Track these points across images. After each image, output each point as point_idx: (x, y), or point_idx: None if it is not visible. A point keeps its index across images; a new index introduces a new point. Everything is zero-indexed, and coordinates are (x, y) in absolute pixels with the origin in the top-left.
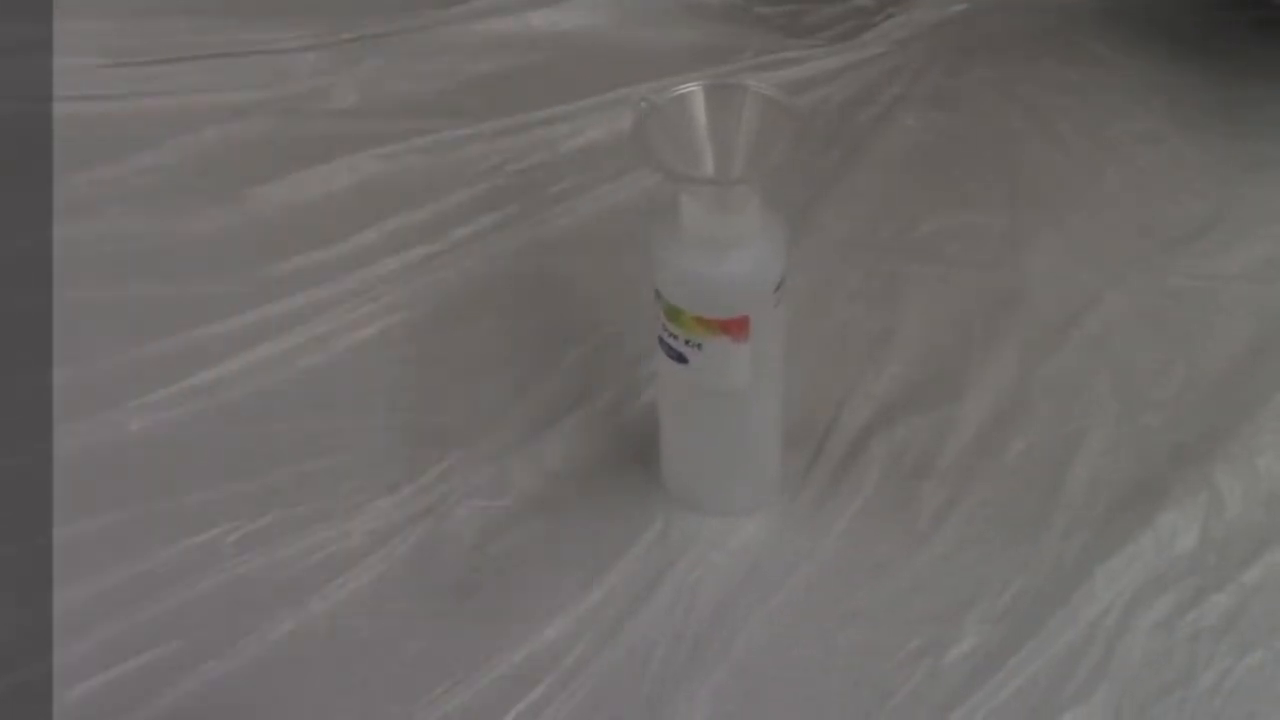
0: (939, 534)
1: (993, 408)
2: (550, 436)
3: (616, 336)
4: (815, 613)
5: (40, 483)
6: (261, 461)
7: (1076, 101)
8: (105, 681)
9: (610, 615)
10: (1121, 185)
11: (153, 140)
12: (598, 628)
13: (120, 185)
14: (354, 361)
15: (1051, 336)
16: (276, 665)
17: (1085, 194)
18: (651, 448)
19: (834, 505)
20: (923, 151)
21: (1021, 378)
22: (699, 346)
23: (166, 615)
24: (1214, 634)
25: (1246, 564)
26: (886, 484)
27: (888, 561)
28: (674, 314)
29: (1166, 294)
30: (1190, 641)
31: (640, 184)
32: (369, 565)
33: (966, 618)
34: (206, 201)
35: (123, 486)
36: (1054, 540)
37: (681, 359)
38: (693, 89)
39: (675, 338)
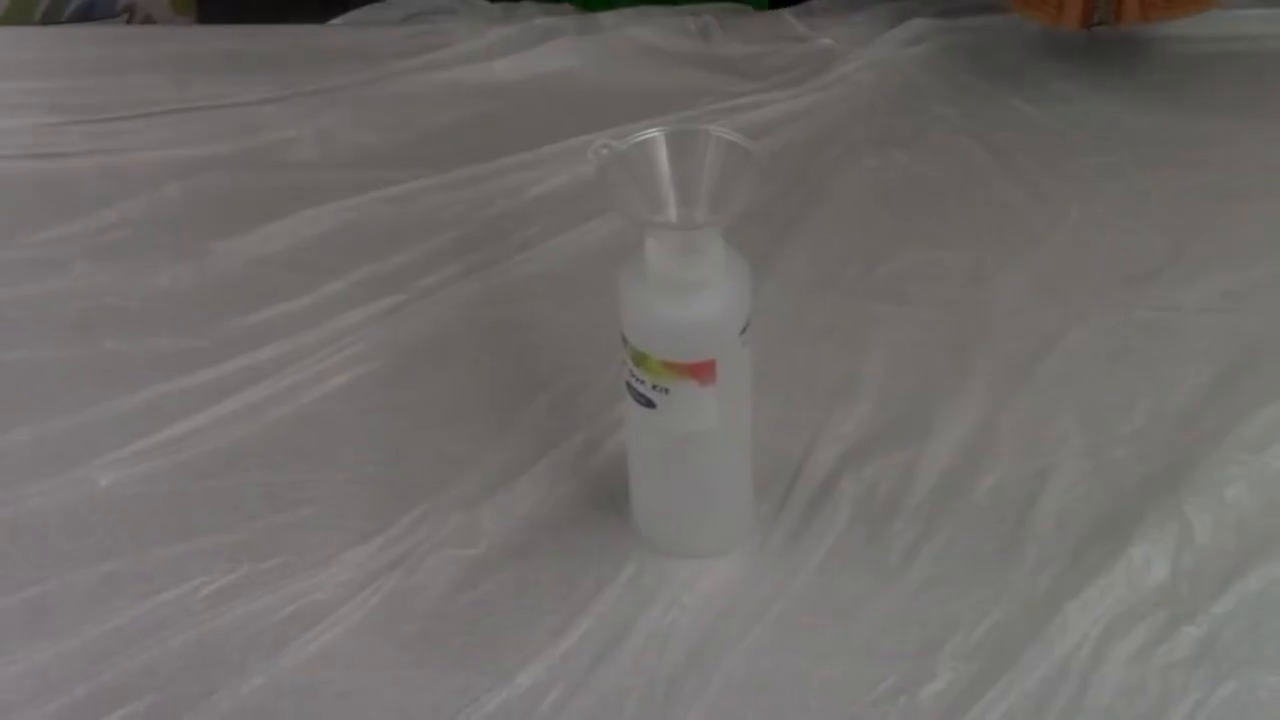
0: (910, 572)
1: (961, 445)
2: (520, 484)
3: (584, 382)
4: (789, 653)
5: (10, 540)
6: (231, 515)
7: (1037, 138)
8: None
9: (584, 661)
10: (1083, 221)
11: (114, 196)
12: (571, 674)
13: (83, 241)
14: (322, 413)
15: (1017, 372)
16: (250, 719)
17: (1048, 230)
18: (622, 492)
19: (805, 545)
20: (885, 191)
21: (989, 414)
22: (666, 391)
23: (138, 671)
24: (1187, 665)
25: (1218, 594)
26: (857, 523)
27: (860, 600)
28: (640, 358)
29: (1131, 327)
30: (1164, 673)
31: (606, 229)
32: (341, 617)
33: (940, 655)
34: (170, 256)
35: (92, 543)
36: (1025, 575)
37: (649, 404)
38: (654, 134)
39: (642, 382)
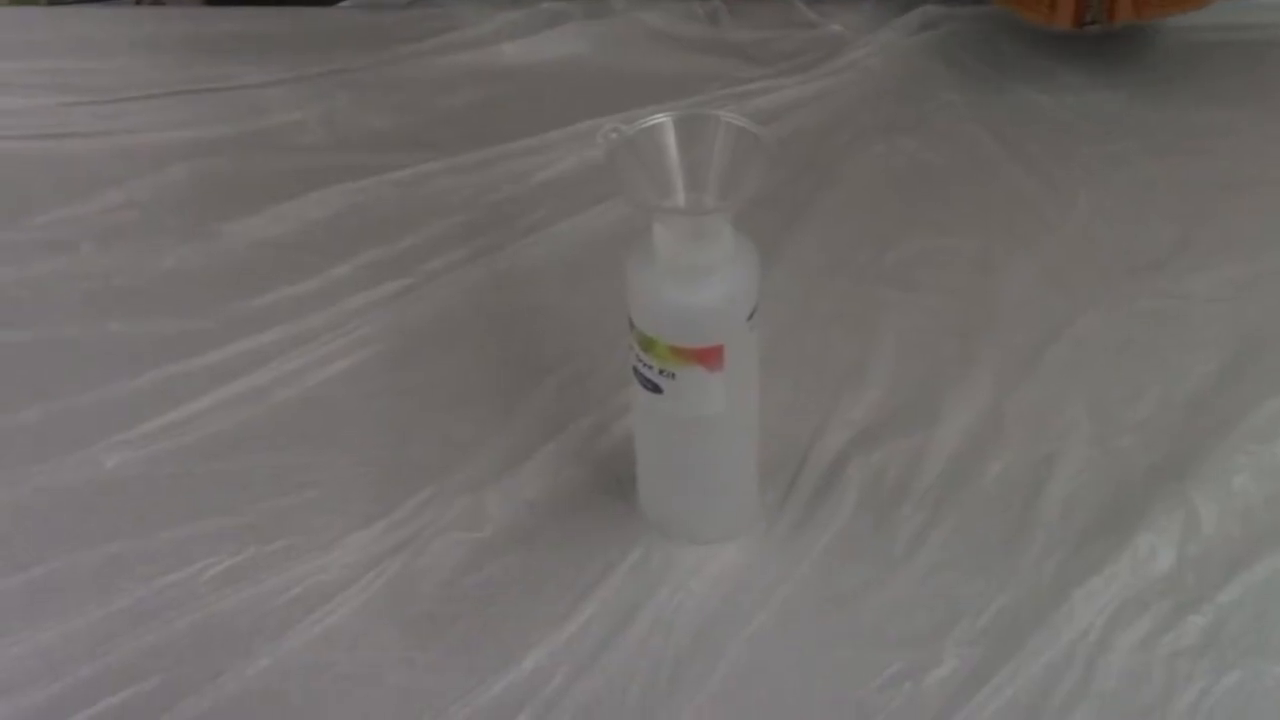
0: (917, 558)
1: (968, 432)
2: (526, 467)
3: (591, 366)
4: (794, 638)
5: (15, 521)
6: (237, 497)
7: (1045, 127)
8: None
9: (589, 644)
10: (1092, 209)
11: (121, 178)
12: (577, 657)
13: (90, 223)
14: (328, 396)
15: (1024, 360)
16: (255, 701)
17: (1056, 219)
18: (629, 477)
19: (811, 531)
20: (893, 178)
21: (996, 401)
22: (673, 376)
23: (144, 653)
24: (1192, 654)
25: (1223, 583)
26: (863, 509)
27: (866, 586)
28: (648, 343)
29: (1138, 316)
30: (1169, 661)
31: (613, 214)
32: (346, 599)
33: (946, 640)
34: (177, 238)
35: (98, 524)
36: (1031, 562)
37: (656, 388)
38: (663, 119)
39: (650, 367)
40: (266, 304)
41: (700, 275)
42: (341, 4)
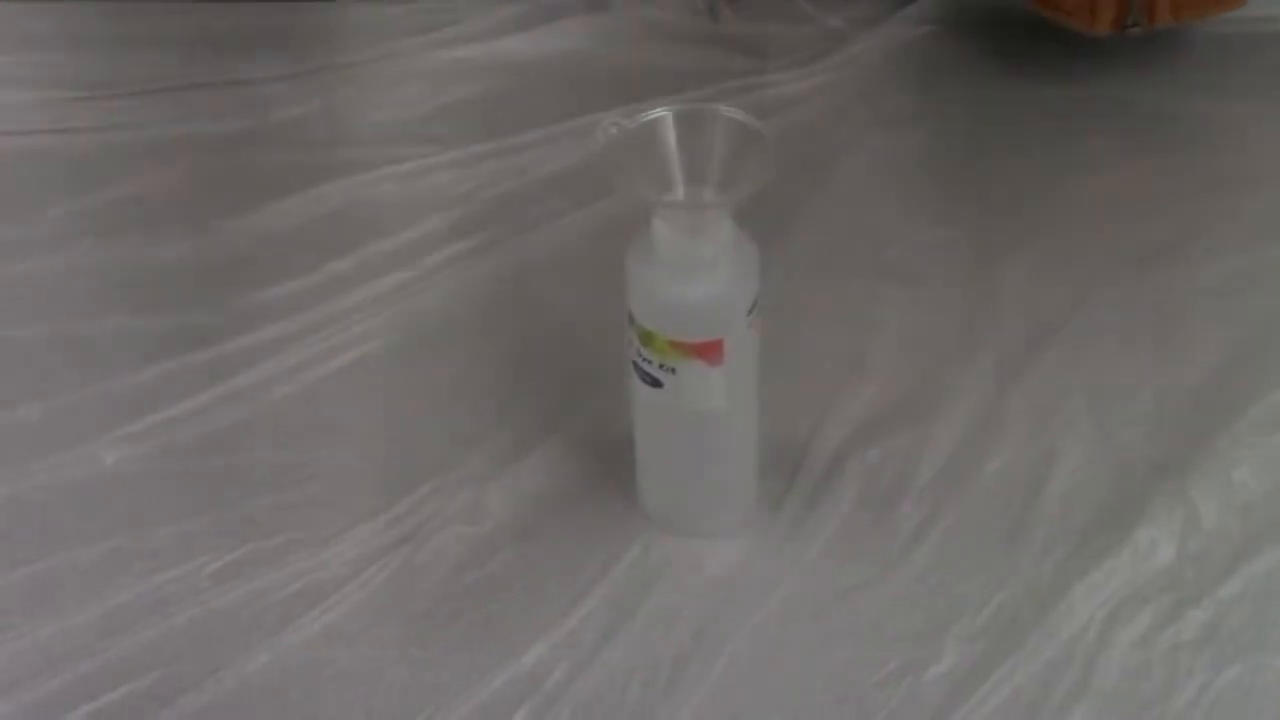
0: (916, 553)
1: (968, 426)
2: (526, 462)
3: (592, 361)
4: (794, 634)
5: (16, 517)
6: (238, 492)
7: (1048, 119)
8: (82, 715)
9: (589, 639)
10: (1092, 202)
11: (124, 173)
12: (577, 652)
13: (93, 218)
14: (329, 391)
15: (1025, 354)
16: (255, 696)
17: (1056, 211)
18: (628, 472)
19: (811, 526)
20: (894, 171)
21: (996, 396)
22: (673, 370)
23: (143, 648)
24: (1192, 648)
25: (1223, 578)
26: (863, 504)
27: (866, 582)
28: (648, 338)
29: (1139, 309)
30: (1169, 656)
31: (613, 209)
32: (347, 594)
33: (946, 636)
34: (179, 233)
35: (98, 520)
36: (1031, 557)
37: (656, 383)
38: (662, 113)
39: (650, 362)
40: (268, 299)
41: (700, 270)
42: None
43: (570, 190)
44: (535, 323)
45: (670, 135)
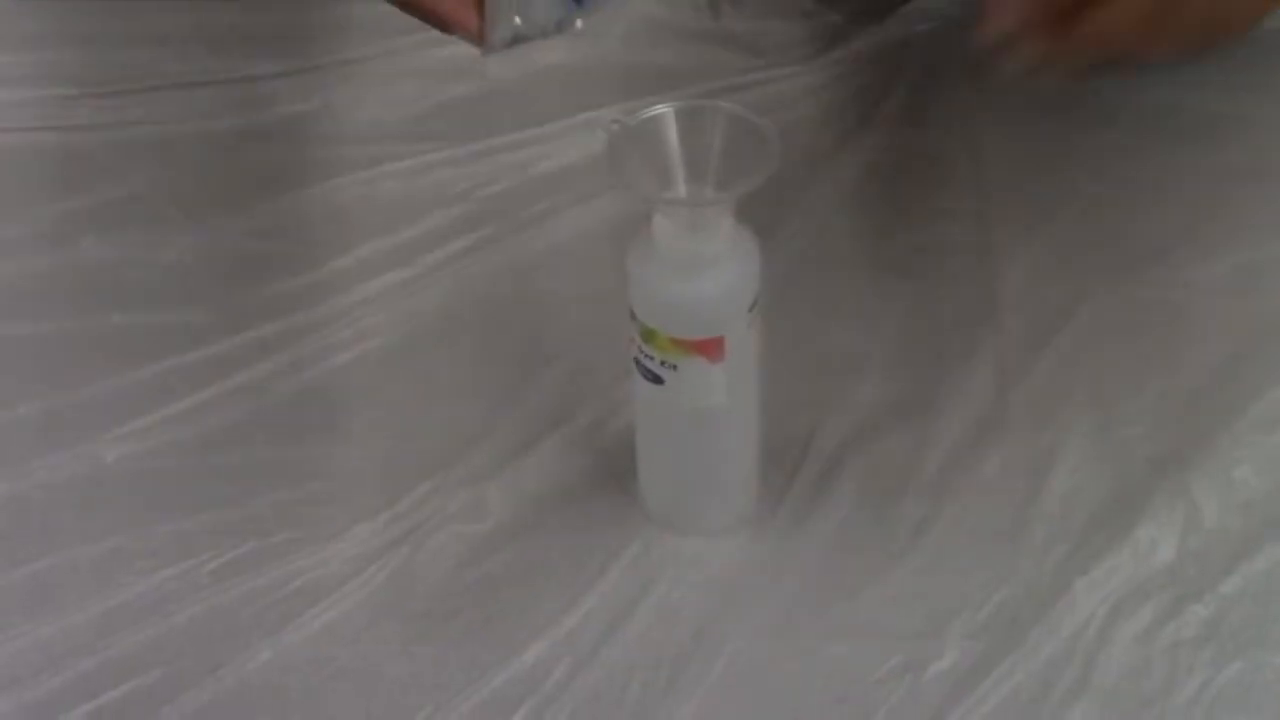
0: (917, 550)
1: (968, 423)
2: (527, 460)
3: (593, 358)
4: (795, 631)
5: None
6: (238, 490)
7: (1048, 115)
8: (83, 714)
9: (590, 637)
10: (1095, 198)
11: (123, 170)
12: (578, 650)
13: (91, 215)
14: (329, 388)
15: (1026, 351)
16: (256, 694)
17: (1058, 207)
18: (629, 469)
19: (812, 523)
20: (895, 167)
21: (997, 392)
22: (674, 367)
23: (144, 646)
24: (1193, 645)
25: (1224, 575)
26: (864, 501)
27: (867, 578)
28: (649, 335)
29: (1141, 306)
30: (1170, 653)
31: (614, 205)
32: (347, 592)
33: (947, 633)
34: (179, 230)
35: (98, 518)
36: (1032, 554)
37: (657, 380)
38: (663, 110)
39: (651, 359)
40: (267, 296)
41: (701, 266)
42: None
43: (571, 187)
44: (536, 320)
45: (672, 131)
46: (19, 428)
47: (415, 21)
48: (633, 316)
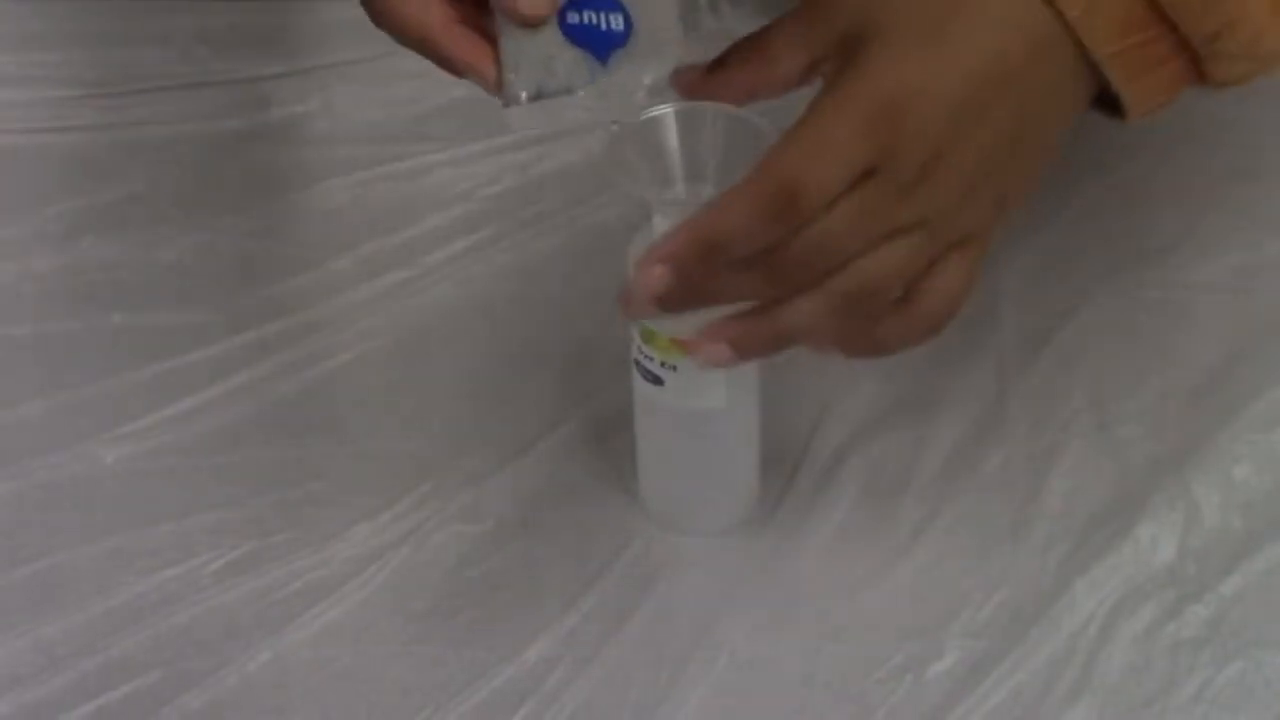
0: (918, 549)
1: (969, 423)
2: (527, 460)
3: (593, 359)
4: (796, 630)
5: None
6: (238, 491)
7: None
8: (84, 714)
9: (591, 637)
10: (1095, 198)
11: (124, 170)
12: (579, 650)
13: (92, 216)
14: (329, 389)
15: (1026, 350)
16: (257, 694)
17: (1058, 205)
18: (630, 470)
19: (812, 523)
20: None
21: (997, 392)
22: (674, 368)
23: (145, 646)
24: (1194, 645)
25: (1225, 574)
26: (864, 501)
27: (867, 578)
28: (649, 335)
29: (1141, 306)
30: (1170, 652)
31: (613, 206)
32: (348, 593)
33: (947, 632)
34: (179, 231)
35: (98, 518)
36: (1033, 553)
37: (657, 380)
38: (663, 110)
39: (650, 360)
40: (267, 297)
41: None
42: None
43: (571, 187)
44: (535, 321)
45: (671, 132)
46: (19, 428)
47: None
48: None
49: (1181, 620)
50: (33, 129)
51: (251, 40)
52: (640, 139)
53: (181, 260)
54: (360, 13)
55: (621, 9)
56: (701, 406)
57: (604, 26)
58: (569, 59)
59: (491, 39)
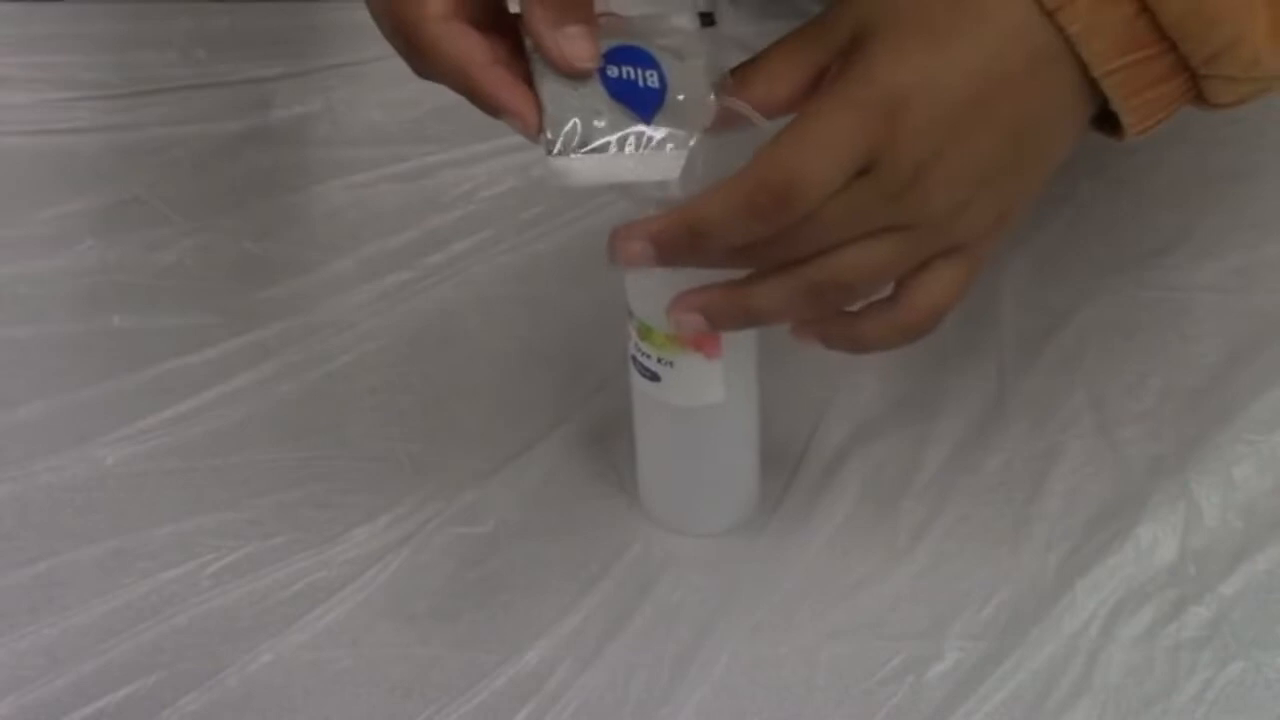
0: (918, 550)
1: (969, 424)
2: (527, 461)
3: (592, 360)
4: (796, 631)
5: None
6: (238, 492)
7: None
8: (85, 716)
9: (591, 638)
10: (1093, 197)
11: (124, 172)
12: (579, 651)
13: (92, 218)
14: (330, 390)
15: (1026, 350)
16: (257, 696)
17: (1057, 206)
18: (629, 470)
19: (812, 523)
20: None
21: (997, 394)
22: (671, 364)
23: (146, 648)
24: (1194, 645)
25: (1225, 575)
26: (865, 501)
27: (867, 579)
28: (646, 331)
29: (1140, 306)
30: (1171, 653)
31: (614, 206)
32: (348, 595)
33: (948, 633)
34: (179, 233)
35: (99, 520)
36: (1034, 554)
37: (654, 377)
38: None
39: (647, 356)
40: (268, 298)
41: None
42: None
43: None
44: (536, 321)
45: None
46: (20, 429)
47: None
48: (630, 313)
49: (1182, 621)
50: (33, 130)
51: (252, 42)
52: None
53: (182, 262)
54: (360, 14)
55: (656, 66)
56: (699, 403)
57: (642, 84)
58: (614, 114)
59: (528, 80)
